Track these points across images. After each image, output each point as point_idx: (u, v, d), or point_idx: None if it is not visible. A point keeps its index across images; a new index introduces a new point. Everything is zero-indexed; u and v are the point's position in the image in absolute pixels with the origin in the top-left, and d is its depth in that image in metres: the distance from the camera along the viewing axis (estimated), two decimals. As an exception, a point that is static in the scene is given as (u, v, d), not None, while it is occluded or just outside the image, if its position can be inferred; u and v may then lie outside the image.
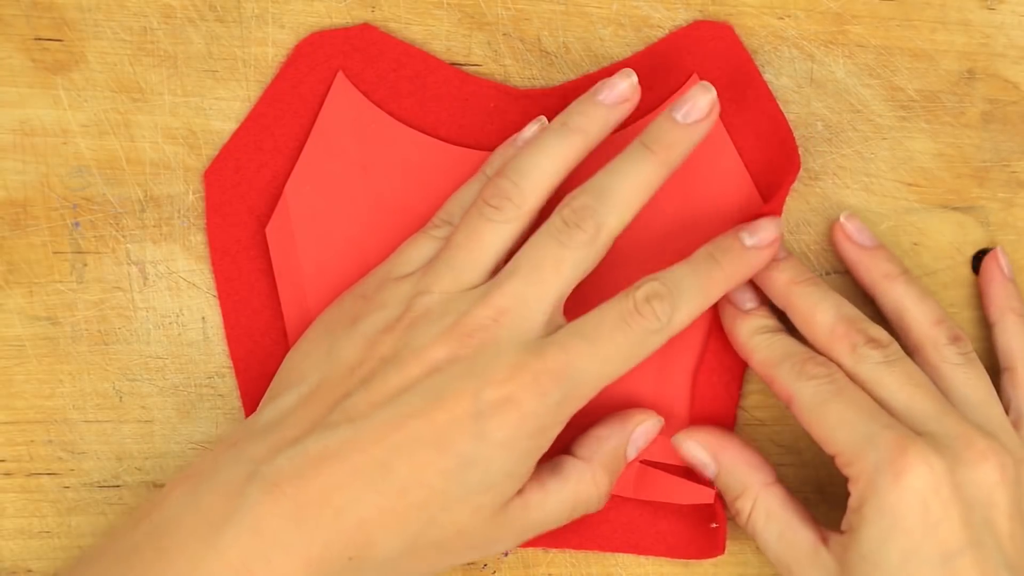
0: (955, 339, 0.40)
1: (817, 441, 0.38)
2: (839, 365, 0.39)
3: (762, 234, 0.39)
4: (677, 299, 0.36)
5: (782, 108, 0.44)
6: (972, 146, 0.45)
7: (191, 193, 0.41)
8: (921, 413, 0.38)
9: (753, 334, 0.40)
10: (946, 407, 0.38)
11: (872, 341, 0.39)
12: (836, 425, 0.37)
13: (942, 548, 0.36)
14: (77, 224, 0.41)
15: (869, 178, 0.45)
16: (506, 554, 0.43)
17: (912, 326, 0.41)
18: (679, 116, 0.37)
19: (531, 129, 0.40)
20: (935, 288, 0.45)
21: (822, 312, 0.39)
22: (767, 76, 0.44)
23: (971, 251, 0.45)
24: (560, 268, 0.36)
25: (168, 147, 0.41)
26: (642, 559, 0.43)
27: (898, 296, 0.41)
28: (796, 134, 0.44)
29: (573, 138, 0.37)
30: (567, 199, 0.37)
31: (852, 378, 0.39)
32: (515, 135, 0.40)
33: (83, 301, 0.41)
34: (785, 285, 0.40)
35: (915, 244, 0.45)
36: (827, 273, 0.44)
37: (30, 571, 0.40)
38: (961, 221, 0.45)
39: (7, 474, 0.40)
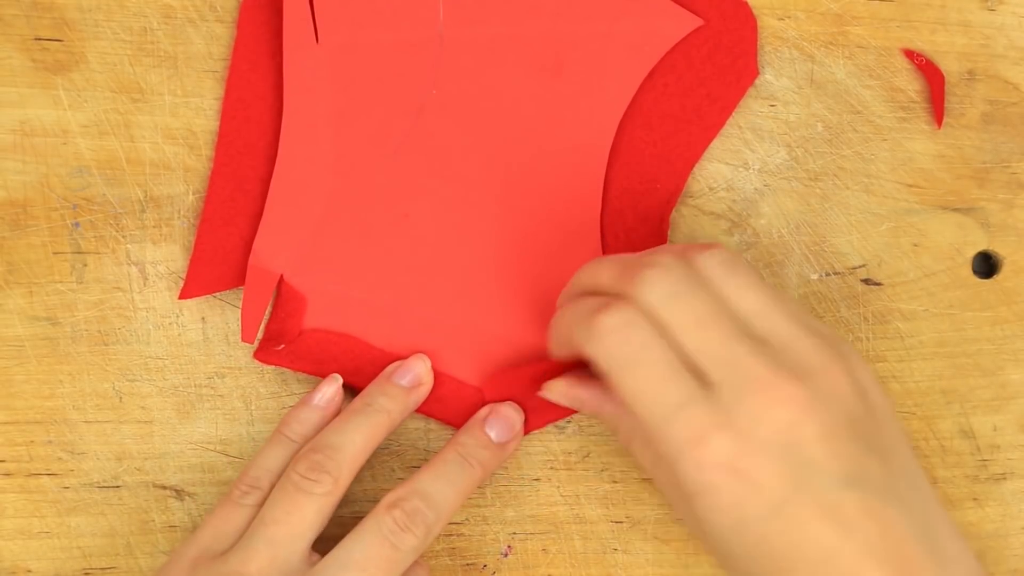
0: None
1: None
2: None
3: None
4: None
5: (783, 109, 0.44)
6: (972, 147, 0.45)
7: (191, 193, 0.42)
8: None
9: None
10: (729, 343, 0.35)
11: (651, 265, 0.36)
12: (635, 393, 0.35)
13: (768, 505, 0.33)
14: (77, 224, 0.41)
15: (869, 179, 0.45)
16: (506, 554, 0.43)
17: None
18: (494, 435, 0.41)
19: (326, 393, 0.41)
20: (935, 289, 0.45)
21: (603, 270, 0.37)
22: (767, 76, 0.44)
23: (971, 252, 0.45)
24: (391, 569, 0.37)
25: (168, 147, 0.41)
26: (642, 559, 0.43)
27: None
28: (796, 135, 0.44)
29: (379, 417, 0.39)
30: (393, 497, 0.38)
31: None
32: (307, 396, 0.41)
33: (83, 301, 0.41)
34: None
35: (915, 245, 0.45)
36: (825, 274, 0.44)
37: (30, 571, 0.40)
38: (961, 222, 0.45)
39: (7, 474, 0.40)
